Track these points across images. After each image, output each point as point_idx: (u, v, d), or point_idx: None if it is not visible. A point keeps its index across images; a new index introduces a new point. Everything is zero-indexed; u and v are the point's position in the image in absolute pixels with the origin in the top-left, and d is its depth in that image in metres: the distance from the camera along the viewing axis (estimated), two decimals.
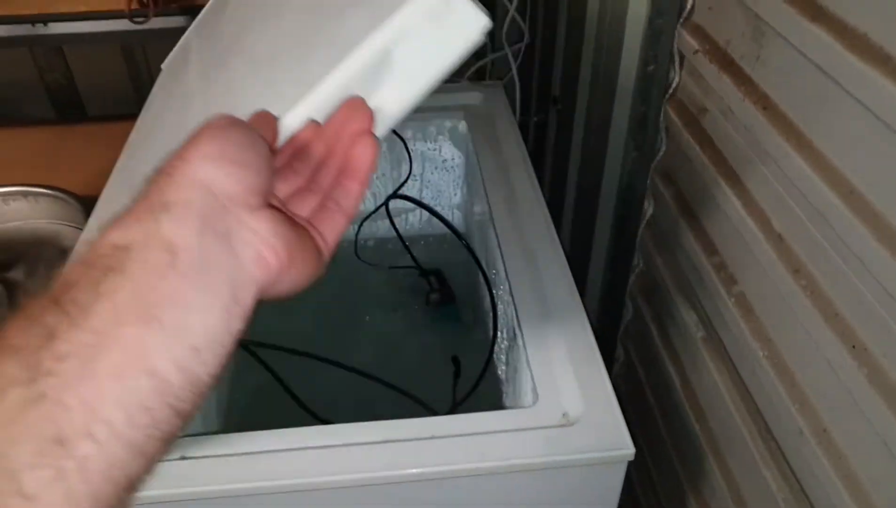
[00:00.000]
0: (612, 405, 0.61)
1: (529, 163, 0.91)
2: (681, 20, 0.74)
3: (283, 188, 0.32)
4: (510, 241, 0.79)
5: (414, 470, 0.57)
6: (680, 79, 0.77)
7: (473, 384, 0.82)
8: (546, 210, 0.84)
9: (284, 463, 0.57)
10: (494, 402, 0.85)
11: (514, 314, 0.72)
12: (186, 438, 0.57)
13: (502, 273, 0.79)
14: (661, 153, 0.83)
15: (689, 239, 0.77)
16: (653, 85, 0.80)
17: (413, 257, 1.03)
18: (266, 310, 0.30)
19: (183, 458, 0.56)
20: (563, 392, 0.62)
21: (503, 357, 0.83)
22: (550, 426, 0.60)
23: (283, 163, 0.33)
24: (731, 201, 0.67)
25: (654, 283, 0.89)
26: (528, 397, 0.68)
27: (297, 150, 0.33)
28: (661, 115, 0.81)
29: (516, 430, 0.59)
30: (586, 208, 1.07)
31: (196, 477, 0.55)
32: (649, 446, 0.92)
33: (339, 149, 0.33)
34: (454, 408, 0.76)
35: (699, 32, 0.72)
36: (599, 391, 0.62)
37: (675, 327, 0.83)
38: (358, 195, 0.33)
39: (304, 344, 0.96)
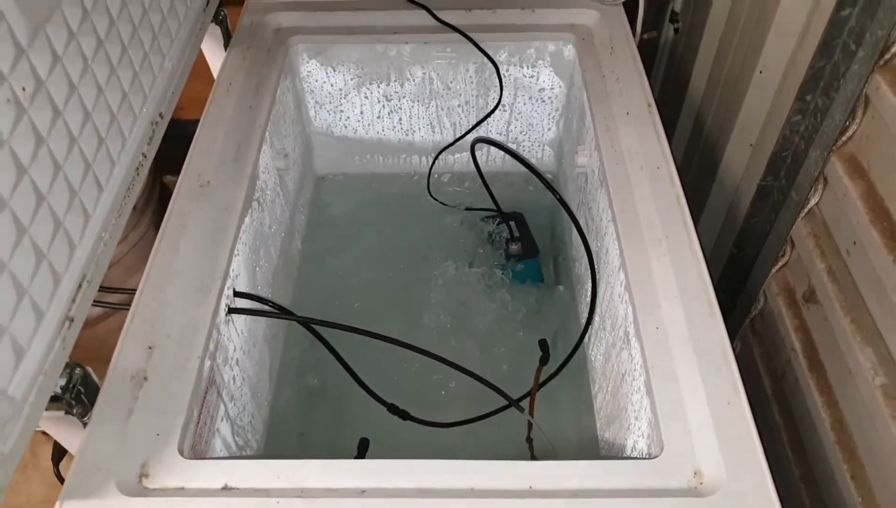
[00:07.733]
0: (760, 469, 0.47)
1: (654, 105, 0.72)
2: None
3: None
4: (629, 219, 0.63)
5: None
6: None
7: (555, 370, 0.69)
8: (674, 171, 0.66)
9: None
10: (586, 428, 0.72)
11: (631, 315, 0.57)
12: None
13: (614, 253, 0.64)
14: None
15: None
16: None
17: (493, 198, 0.87)
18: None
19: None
20: (695, 439, 0.49)
21: (598, 357, 0.69)
22: (678, 491, 0.47)
23: None
24: None
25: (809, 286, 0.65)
26: (641, 433, 0.55)
27: None
28: None
29: (632, 491, 0.46)
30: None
31: None
32: None
33: None
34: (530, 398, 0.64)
35: None
36: (744, 444, 0.48)
37: (832, 354, 0.61)
38: None
39: (366, 303, 0.85)
